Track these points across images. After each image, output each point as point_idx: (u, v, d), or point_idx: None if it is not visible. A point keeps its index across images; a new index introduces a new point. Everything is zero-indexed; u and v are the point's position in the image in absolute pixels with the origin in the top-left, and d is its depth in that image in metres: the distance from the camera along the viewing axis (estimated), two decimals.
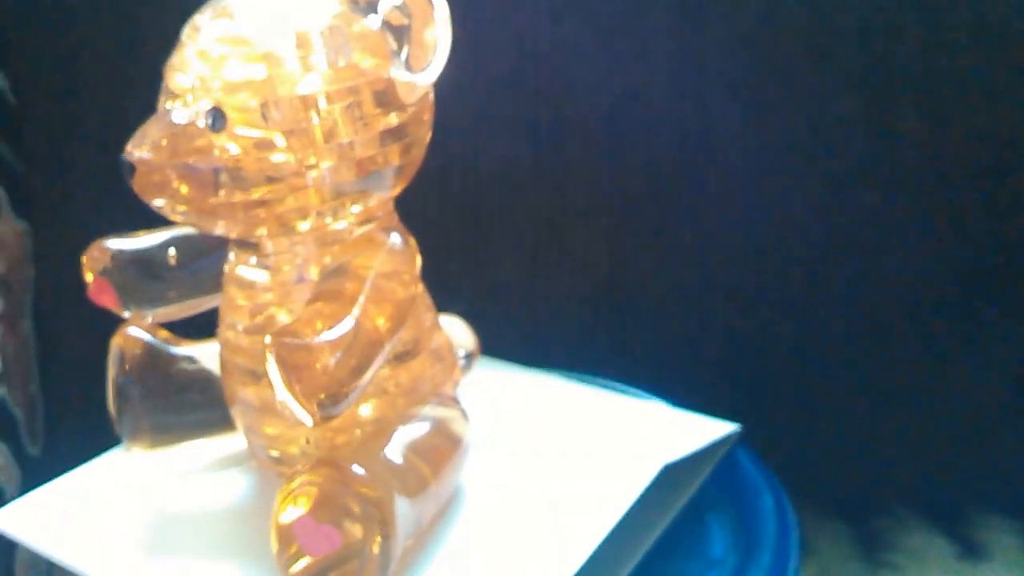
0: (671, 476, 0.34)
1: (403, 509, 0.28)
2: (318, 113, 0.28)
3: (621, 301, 0.52)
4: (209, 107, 0.28)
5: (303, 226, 0.29)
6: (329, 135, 0.28)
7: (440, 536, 0.31)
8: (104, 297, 0.33)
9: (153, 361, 0.33)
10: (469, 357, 0.37)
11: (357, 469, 0.27)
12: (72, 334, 0.50)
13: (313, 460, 0.28)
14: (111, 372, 0.33)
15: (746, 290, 0.52)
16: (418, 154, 0.31)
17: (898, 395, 0.52)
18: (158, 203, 0.28)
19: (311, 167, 0.28)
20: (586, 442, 0.36)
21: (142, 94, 0.30)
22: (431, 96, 0.30)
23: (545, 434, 0.37)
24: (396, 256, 0.30)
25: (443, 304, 0.35)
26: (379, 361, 0.28)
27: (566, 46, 0.50)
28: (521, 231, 0.52)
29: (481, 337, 0.39)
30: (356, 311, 0.27)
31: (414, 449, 0.30)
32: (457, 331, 0.37)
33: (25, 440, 0.46)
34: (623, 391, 0.42)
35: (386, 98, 0.29)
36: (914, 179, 0.50)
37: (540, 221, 0.51)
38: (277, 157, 0.28)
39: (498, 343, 0.41)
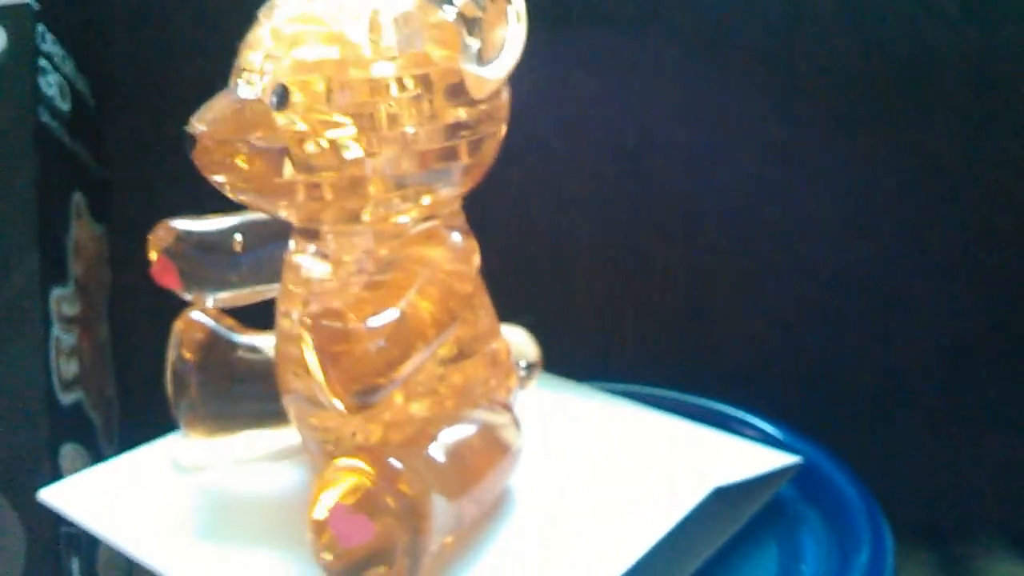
0: (722, 501, 0.32)
1: (440, 507, 0.26)
2: (384, 99, 0.27)
3: (702, 318, 0.50)
4: (275, 85, 0.26)
5: (364, 216, 0.28)
6: (393, 123, 0.27)
7: (481, 538, 0.30)
8: (167, 277, 0.31)
9: (214, 347, 0.32)
10: (531, 368, 0.35)
11: (395, 463, 0.26)
12: (149, 338, 0.47)
13: (352, 449, 0.27)
14: (170, 356, 0.32)
15: (830, 311, 0.50)
16: (488, 153, 0.29)
17: (984, 419, 0.50)
18: (219, 179, 0.27)
19: (373, 154, 0.27)
20: (639, 461, 0.34)
21: None
22: (506, 95, 0.29)
23: (599, 450, 0.35)
24: (453, 253, 0.28)
25: (516, 315, 0.33)
26: (422, 356, 0.26)
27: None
28: (603, 246, 0.50)
29: (554, 351, 0.37)
30: (403, 303, 0.26)
31: (458, 450, 0.28)
32: (520, 341, 0.35)
33: (102, 444, 0.45)
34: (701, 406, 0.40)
35: (455, 91, 0.27)
36: (1006, 201, 0.48)
37: (621, 237, 0.50)
38: (339, 141, 0.27)
39: (572, 358, 0.40)
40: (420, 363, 0.27)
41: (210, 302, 0.33)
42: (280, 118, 0.27)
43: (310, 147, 0.27)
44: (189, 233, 0.32)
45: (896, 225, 0.48)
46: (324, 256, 0.29)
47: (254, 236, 0.32)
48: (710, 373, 0.50)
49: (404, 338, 0.26)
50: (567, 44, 0.47)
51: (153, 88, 0.49)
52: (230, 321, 0.33)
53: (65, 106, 0.43)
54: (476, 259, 0.29)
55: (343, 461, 0.26)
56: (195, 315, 0.33)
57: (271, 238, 0.31)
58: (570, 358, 0.40)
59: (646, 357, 0.50)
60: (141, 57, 0.49)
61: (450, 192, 0.29)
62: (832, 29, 0.46)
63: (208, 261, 0.32)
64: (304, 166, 0.27)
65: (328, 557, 0.26)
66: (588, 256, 0.50)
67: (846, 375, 0.50)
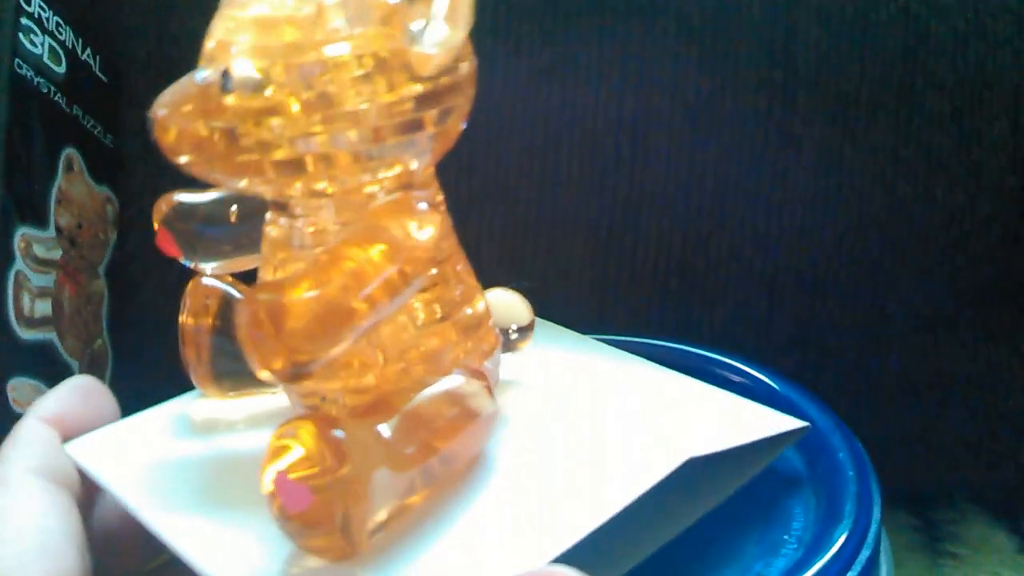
0: (719, 463, 0.26)
1: (383, 480, 0.23)
2: (331, 79, 0.23)
3: (693, 283, 0.45)
4: (223, 69, 0.24)
5: (328, 189, 0.25)
6: (341, 101, 0.24)
7: (451, 496, 0.25)
8: (167, 246, 0.29)
9: (224, 310, 0.30)
10: (523, 331, 0.29)
11: (337, 434, 0.22)
12: (151, 301, 0.46)
13: (297, 417, 0.23)
14: (183, 319, 0.30)
15: (817, 277, 0.45)
16: (454, 124, 0.25)
17: (963, 388, 0.46)
18: (182, 160, 0.24)
19: (328, 133, 0.24)
20: (633, 418, 0.29)
21: None
22: (467, 67, 0.25)
23: (593, 405, 0.29)
24: (414, 220, 0.25)
25: (512, 281, 0.30)
26: (363, 325, 0.23)
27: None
28: (598, 214, 0.45)
29: (549, 315, 0.33)
30: (341, 271, 0.23)
31: (417, 419, 0.25)
32: (510, 304, 0.30)
33: None
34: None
35: (403, 68, 0.24)
36: (992, 179, 0.43)
37: (616, 205, 0.45)
38: (294, 120, 0.23)
39: (567, 319, 0.36)
40: (359, 332, 0.23)
41: (208, 270, 0.30)
42: (231, 99, 0.23)
43: (261, 127, 0.23)
44: (187, 205, 0.29)
45: (881, 197, 0.44)
46: (294, 227, 0.26)
47: (247, 207, 0.30)
48: (698, 336, 0.45)
49: (333, 315, 0.22)
50: (566, 23, 0.43)
51: (167, 65, 0.45)
52: (241, 286, 0.31)
53: (58, 69, 0.40)
54: (441, 229, 0.25)
55: (286, 429, 0.23)
56: (206, 280, 0.30)
57: (263, 209, 0.28)
58: (564, 322, 0.36)
59: (638, 320, 0.45)
60: (154, 37, 0.45)
61: (419, 162, 0.25)
62: (826, 10, 0.42)
63: (204, 231, 0.29)
64: (260, 146, 0.24)
65: (281, 523, 0.23)
66: (583, 223, 0.45)
67: (829, 342, 0.45)
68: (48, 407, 0.27)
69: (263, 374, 0.22)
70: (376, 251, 0.23)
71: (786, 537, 0.27)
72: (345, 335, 0.22)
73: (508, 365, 0.29)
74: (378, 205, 0.25)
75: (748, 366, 0.33)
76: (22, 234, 0.38)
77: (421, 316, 0.25)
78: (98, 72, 0.43)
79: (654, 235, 0.45)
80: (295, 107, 0.23)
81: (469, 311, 0.27)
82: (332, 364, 0.24)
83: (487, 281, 0.29)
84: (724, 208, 0.45)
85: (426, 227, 0.25)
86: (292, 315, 0.21)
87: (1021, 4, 0.42)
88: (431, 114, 0.25)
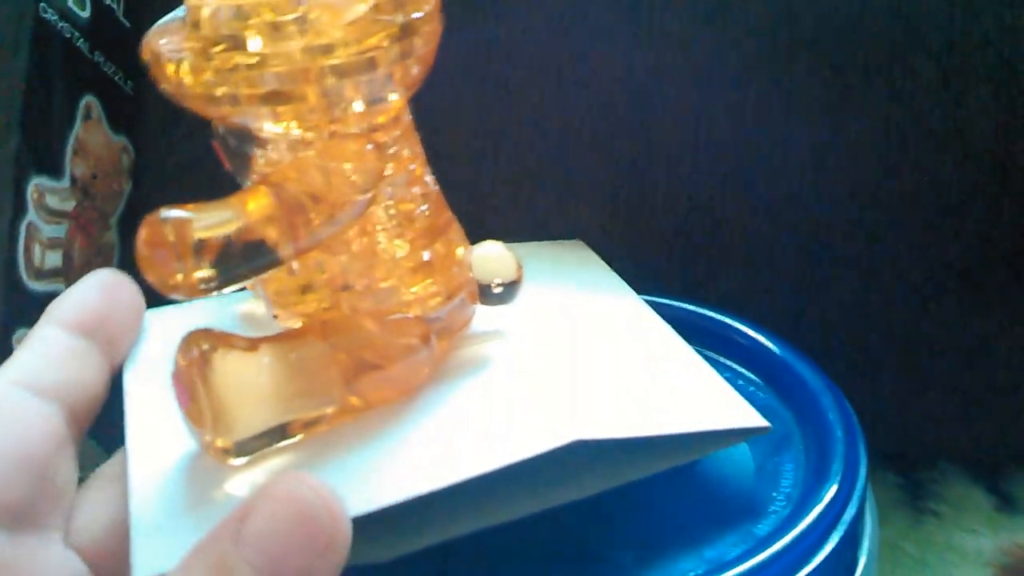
0: (664, 442, 0.25)
1: (260, 410, 0.22)
2: (284, 14, 0.22)
3: (698, 246, 0.45)
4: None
5: (296, 127, 0.24)
6: (297, 35, 0.22)
7: (375, 422, 0.24)
8: (220, 156, 0.28)
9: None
10: (508, 287, 0.27)
11: (211, 348, 0.22)
12: None
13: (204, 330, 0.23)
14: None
15: (814, 242, 0.44)
16: (417, 65, 0.24)
17: (948, 353, 0.45)
18: (166, 89, 0.24)
19: (282, 66, 0.22)
20: (583, 380, 0.27)
21: None
22: (431, 6, 0.24)
23: (555, 357, 0.28)
24: (354, 160, 0.23)
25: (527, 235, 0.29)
26: (264, 257, 0.22)
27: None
28: (603, 172, 0.45)
29: None
30: (253, 208, 0.22)
31: (320, 359, 0.23)
32: (496, 259, 0.27)
33: None
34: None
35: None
36: (978, 146, 0.43)
37: (628, 163, 0.44)
38: (258, 55, 0.22)
39: None
40: (269, 260, 0.22)
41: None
42: (195, 32, 0.23)
43: (226, 61, 0.22)
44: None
45: (874, 163, 0.43)
46: (267, 159, 0.24)
47: None
48: (702, 297, 0.43)
49: (246, 232, 0.21)
50: None
51: None
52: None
53: (83, 13, 0.39)
54: (373, 172, 0.24)
55: (193, 333, 0.22)
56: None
57: None
58: None
59: (643, 280, 0.43)
60: None
61: (383, 101, 0.24)
62: None
63: (241, 148, 0.27)
64: (223, 80, 0.22)
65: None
66: (590, 181, 0.44)
67: (823, 305, 0.45)
68: (64, 310, 0.25)
69: (164, 289, 0.21)
70: (300, 185, 0.22)
71: (775, 495, 0.26)
72: (253, 261, 0.21)
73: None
74: (323, 143, 0.23)
75: (748, 327, 0.32)
76: (36, 184, 0.37)
77: (379, 247, 0.24)
78: (121, 17, 0.41)
79: (661, 196, 0.44)
80: (257, 41, 0.22)
81: (427, 257, 0.25)
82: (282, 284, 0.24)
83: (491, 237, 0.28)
84: (727, 170, 0.44)
85: (362, 169, 0.24)
86: (196, 232, 0.20)
87: None
88: (393, 50, 0.23)
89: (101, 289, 0.26)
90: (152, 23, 0.43)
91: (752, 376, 0.32)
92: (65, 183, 0.38)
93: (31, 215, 0.36)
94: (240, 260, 0.21)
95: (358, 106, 0.23)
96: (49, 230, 0.37)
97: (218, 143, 0.27)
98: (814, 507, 0.25)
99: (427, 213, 0.25)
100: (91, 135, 0.40)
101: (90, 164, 0.40)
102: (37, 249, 0.37)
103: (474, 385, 0.26)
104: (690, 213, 0.44)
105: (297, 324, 0.25)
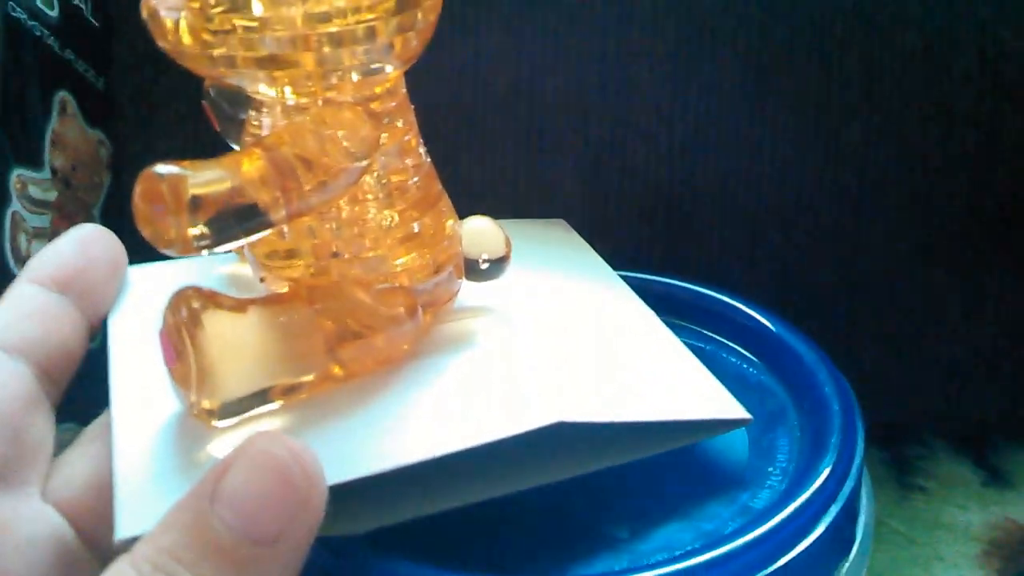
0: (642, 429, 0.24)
1: (242, 370, 0.22)
2: None
3: (679, 219, 0.45)
4: None
5: (293, 93, 0.23)
6: (295, 1, 0.22)
7: (365, 388, 0.24)
8: (211, 117, 0.27)
9: None
10: (495, 263, 0.26)
11: (209, 319, 0.22)
12: (145, 243, 0.43)
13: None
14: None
15: (798, 212, 0.44)
16: (418, 37, 0.23)
17: (933, 329, 0.45)
18: (164, 46, 0.23)
19: (282, 31, 0.22)
20: (566, 361, 0.26)
21: None
22: None
23: (538, 337, 0.27)
24: (347, 129, 0.23)
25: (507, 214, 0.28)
26: (256, 220, 0.21)
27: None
28: (582, 147, 0.44)
29: None
30: (243, 168, 0.21)
31: (308, 326, 0.23)
32: (483, 233, 0.27)
33: None
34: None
35: None
36: (961, 114, 0.42)
37: (602, 138, 0.44)
38: (249, 17, 0.22)
39: None
40: (262, 224, 0.21)
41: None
42: None
43: (225, 22, 0.22)
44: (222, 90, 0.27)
45: (857, 132, 0.43)
46: (261, 123, 0.24)
47: None
48: (685, 270, 0.42)
49: (238, 193, 0.21)
50: None
51: None
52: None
53: (52, 12, 0.39)
54: (369, 141, 0.23)
55: (182, 290, 0.22)
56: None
57: None
58: None
59: (624, 254, 0.41)
60: None
61: (380, 72, 0.23)
62: None
63: (232, 110, 0.27)
64: (221, 41, 0.22)
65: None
66: (570, 157, 0.44)
67: (809, 279, 0.45)
68: (38, 265, 0.25)
69: (160, 246, 0.20)
70: (294, 150, 0.22)
71: (771, 469, 0.26)
72: (245, 222, 0.21)
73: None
74: (318, 109, 0.23)
75: (740, 302, 0.32)
76: (18, 175, 0.36)
77: (369, 216, 0.24)
78: (89, 16, 0.41)
79: (640, 170, 0.44)
80: (259, 5, 0.21)
81: (416, 226, 0.25)
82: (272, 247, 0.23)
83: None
84: (707, 143, 0.43)
85: (358, 137, 0.23)
86: (191, 188, 0.20)
87: None
88: (393, 22, 0.22)
89: (77, 243, 0.25)
90: (120, 23, 0.43)
91: (744, 352, 0.31)
92: (46, 174, 0.38)
93: (15, 204, 0.36)
94: (233, 220, 0.21)
95: (355, 75, 0.23)
96: (33, 220, 0.37)
97: (209, 105, 0.27)
98: (813, 481, 0.24)
99: (418, 185, 0.25)
100: (68, 129, 0.39)
101: (69, 156, 0.39)
102: (23, 239, 0.36)
103: (457, 361, 0.25)
104: (670, 188, 0.44)
105: (284, 288, 0.24)
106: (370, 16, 0.22)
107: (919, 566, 0.38)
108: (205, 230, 0.20)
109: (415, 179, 0.25)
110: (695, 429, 0.25)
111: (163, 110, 0.44)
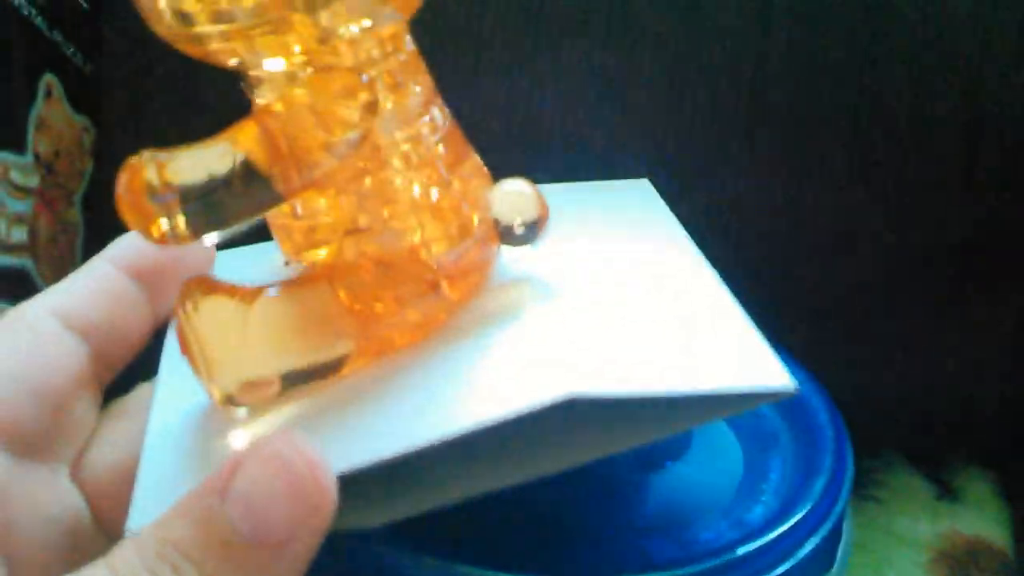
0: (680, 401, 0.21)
1: (252, 368, 0.21)
2: None
3: None
4: None
5: (287, 64, 0.22)
6: None
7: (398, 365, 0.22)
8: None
9: None
10: (531, 227, 0.24)
11: (212, 306, 0.21)
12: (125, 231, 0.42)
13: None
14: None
15: (776, 235, 0.43)
16: None
17: (895, 350, 0.44)
18: (158, 31, 0.21)
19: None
20: (605, 330, 0.23)
21: None
22: None
23: (579, 303, 0.24)
24: (340, 90, 0.21)
25: None
26: (247, 201, 0.20)
27: None
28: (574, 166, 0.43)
29: None
30: (238, 144, 0.20)
31: (330, 307, 0.22)
32: (518, 195, 0.24)
33: None
34: None
35: None
36: (943, 150, 0.42)
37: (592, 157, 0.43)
38: None
39: None
40: (251, 204, 0.20)
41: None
42: None
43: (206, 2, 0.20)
44: None
45: (841, 162, 0.42)
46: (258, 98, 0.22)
47: None
48: None
49: (216, 177, 0.19)
50: None
51: None
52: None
53: None
54: (368, 104, 0.22)
55: (189, 281, 0.21)
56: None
57: None
58: None
59: None
60: None
61: (378, 25, 0.22)
62: None
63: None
64: (204, 18, 0.20)
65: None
66: (561, 172, 0.41)
67: (773, 296, 0.41)
68: (123, 248, 0.24)
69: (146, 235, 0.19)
70: (289, 121, 0.20)
71: (764, 486, 0.26)
72: (244, 200, 0.20)
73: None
74: (310, 78, 0.21)
75: None
76: (3, 159, 0.35)
77: (388, 185, 0.22)
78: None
79: None
80: None
81: (435, 192, 0.23)
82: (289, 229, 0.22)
83: None
84: (695, 165, 0.43)
85: (353, 104, 0.21)
86: (176, 174, 0.19)
87: None
88: None
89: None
90: (109, 5, 0.41)
91: None
92: (28, 159, 0.36)
93: None
94: (228, 200, 0.19)
95: (350, 30, 0.21)
96: (14, 204, 0.35)
97: (246, 87, 0.24)
98: (807, 499, 0.24)
99: (437, 146, 0.23)
100: (52, 113, 0.38)
101: (52, 141, 0.38)
102: (3, 223, 0.35)
103: (488, 336, 0.23)
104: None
105: (306, 270, 0.23)
106: None
107: (870, 569, 0.38)
108: (193, 217, 0.19)
109: (434, 139, 0.23)
110: (730, 402, 0.22)
111: (153, 99, 0.42)
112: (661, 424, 0.22)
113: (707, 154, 0.42)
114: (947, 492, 0.42)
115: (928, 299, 0.43)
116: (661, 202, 0.29)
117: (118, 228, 0.44)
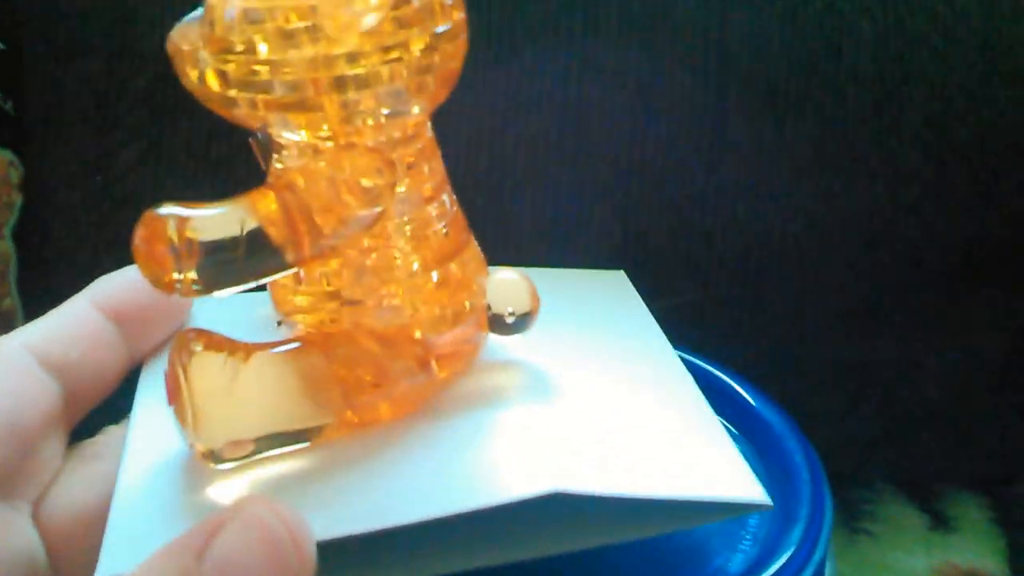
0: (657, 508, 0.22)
1: (242, 427, 0.21)
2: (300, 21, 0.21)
3: (632, 271, 0.42)
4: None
5: (309, 136, 0.22)
6: (309, 42, 0.21)
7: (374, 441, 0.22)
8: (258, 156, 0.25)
9: None
10: (521, 318, 0.24)
11: (197, 364, 0.21)
12: (56, 262, 0.42)
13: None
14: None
15: (749, 266, 0.42)
16: (438, 80, 0.22)
17: (882, 377, 0.43)
18: (187, 85, 0.22)
19: (296, 75, 0.21)
20: (577, 428, 0.23)
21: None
22: (459, 16, 0.22)
23: (555, 400, 0.24)
24: (361, 169, 0.22)
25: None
26: (258, 266, 0.20)
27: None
28: (542, 201, 0.42)
29: None
30: (254, 210, 0.20)
31: (321, 373, 0.22)
32: (510, 286, 0.25)
33: None
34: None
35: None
36: (909, 171, 0.41)
37: (560, 192, 0.42)
38: (271, 60, 0.21)
39: None
40: (268, 268, 0.20)
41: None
42: (211, 32, 0.21)
43: (242, 65, 0.21)
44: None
45: (807, 187, 0.41)
46: (283, 165, 0.23)
47: None
48: None
49: (224, 239, 0.20)
50: (512, 16, 0.40)
51: (68, 31, 0.41)
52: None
53: None
54: (387, 185, 0.22)
55: (185, 331, 0.21)
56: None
57: None
58: None
59: None
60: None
61: (401, 115, 0.22)
62: (758, 4, 0.40)
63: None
64: (240, 84, 0.21)
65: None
66: (530, 209, 0.42)
67: (756, 326, 0.43)
68: (105, 289, 0.24)
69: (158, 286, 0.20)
70: (307, 193, 0.21)
71: (743, 533, 0.24)
72: (254, 264, 0.20)
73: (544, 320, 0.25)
74: (332, 152, 0.22)
75: (713, 367, 0.30)
76: None
77: (394, 263, 0.23)
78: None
79: (596, 223, 0.42)
80: (265, 48, 0.20)
81: (436, 275, 0.24)
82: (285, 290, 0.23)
83: None
84: (661, 198, 0.41)
85: (372, 183, 0.22)
86: (195, 231, 0.19)
87: (936, 3, 0.40)
88: (409, 65, 0.21)
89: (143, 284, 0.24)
90: (28, 46, 0.40)
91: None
92: None
93: None
94: (240, 262, 0.20)
95: (374, 119, 0.22)
96: None
97: (255, 143, 0.25)
98: (785, 548, 0.23)
99: (443, 233, 0.24)
100: None
101: None
102: None
103: (471, 420, 0.24)
104: (624, 239, 0.42)
105: (299, 333, 0.24)
106: (383, 59, 0.21)
107: None
108: (206, 273, 0.19)
109: (439, 226, 0.24)
110: (702, 511, 0.23)
111: (72, 130, 0.41)
112: (636, 526, 0.22)
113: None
114: (940, 523, 0.41)
115: (908, 318, 0.42)
116: (636, 295, 0.30)
117: (48, 260, 0.42)
